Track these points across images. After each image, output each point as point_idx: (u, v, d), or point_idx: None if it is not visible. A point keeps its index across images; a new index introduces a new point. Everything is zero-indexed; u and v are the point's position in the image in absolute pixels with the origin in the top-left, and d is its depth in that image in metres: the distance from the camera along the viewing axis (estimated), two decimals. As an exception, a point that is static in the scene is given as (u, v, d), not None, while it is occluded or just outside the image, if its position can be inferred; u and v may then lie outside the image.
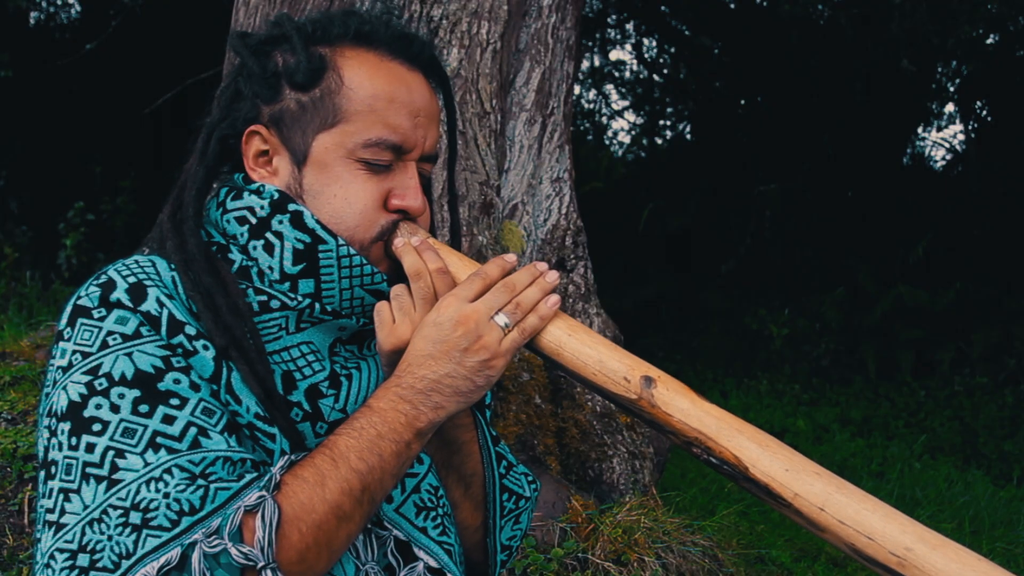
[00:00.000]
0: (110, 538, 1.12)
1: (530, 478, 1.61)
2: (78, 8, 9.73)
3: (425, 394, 1.26)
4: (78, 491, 1.16)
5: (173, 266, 1.32)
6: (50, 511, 1.17)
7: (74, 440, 1.18)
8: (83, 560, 1.13)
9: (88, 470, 1.16)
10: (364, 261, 1.37)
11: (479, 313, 1.28)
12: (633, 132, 14.25)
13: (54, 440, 1.20)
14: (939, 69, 9.99)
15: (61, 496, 1.17)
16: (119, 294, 1.25)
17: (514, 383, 3.22)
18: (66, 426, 1.19)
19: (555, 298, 1.33)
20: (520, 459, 3.08)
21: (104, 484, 1.15)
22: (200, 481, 1.15)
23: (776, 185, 8.24)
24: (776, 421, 7.32)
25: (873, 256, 9.16)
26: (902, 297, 8.68)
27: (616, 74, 13.75)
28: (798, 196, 8.94)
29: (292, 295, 1.35)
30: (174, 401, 1.20)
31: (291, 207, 1.36)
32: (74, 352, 1.22)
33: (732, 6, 9.53)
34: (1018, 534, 4.87)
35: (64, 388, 1.21)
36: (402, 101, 1.38)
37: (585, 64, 12.80)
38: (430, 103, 1.43)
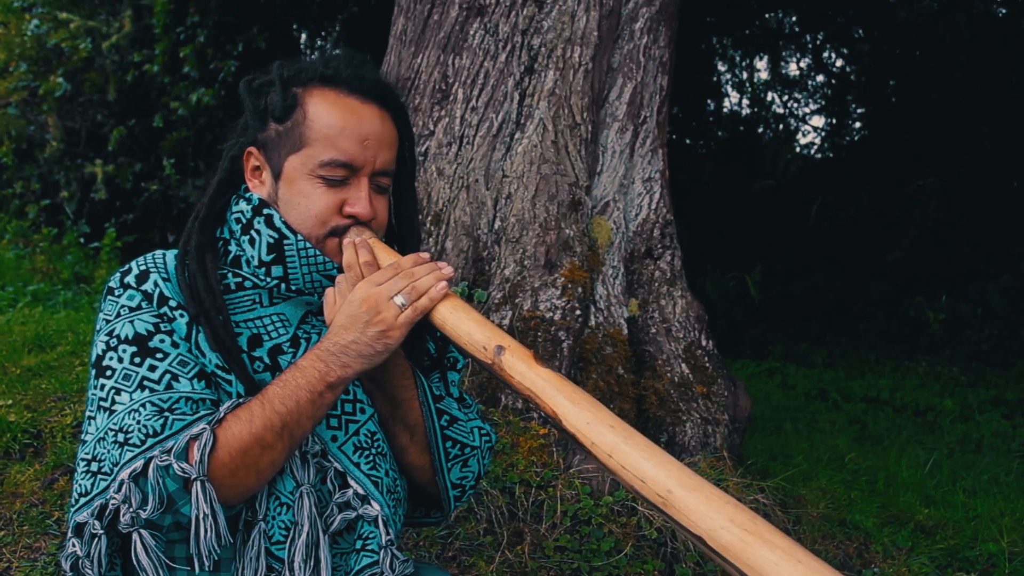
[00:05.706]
0: (108, 451, 1.38)
1: (483, 431, 1.72)
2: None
3: (336, 356, 1.41)
4: (95, 418, 1.42)
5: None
6: (82, 433, 1.45)
7: (96, 382, 1.44)
8: (94, 467, 1.39)
9: (100, 403, 1.42)
10: (318, 253, 1.53)
11: (380, 294, 1.42)
12: (822, 134, 13.63)
13: (90, 383, 1.47)
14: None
15: (87, 422, 1.44)
16: (131, 278, 1.50)
17: (596, 355, 3.29)
18: (93, 372, 1.46)
19: (443, 284, 1.44)
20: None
21: (107, 413, 1.40)
22: (166, 414, 1.38)
23: (934, 179, 7.65)
24: (922, 400, 6.81)
25: (1041, 245, 8.32)
26: (1069, 285, 7.84)
27: (802, 80, 13.20)
28: (960, 188, 8.25)
29: (264, 277, 1.55)
30: (159, 355, 1.43)
31: (266, 211, 1.54)
32: (103, 320, 1.49)
33: (902, 15, 8.90)
34: None
35: (95, 345, 1.48)
36: (352, 128, 1.51)
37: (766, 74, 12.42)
38: (380, 129, 1.54)
